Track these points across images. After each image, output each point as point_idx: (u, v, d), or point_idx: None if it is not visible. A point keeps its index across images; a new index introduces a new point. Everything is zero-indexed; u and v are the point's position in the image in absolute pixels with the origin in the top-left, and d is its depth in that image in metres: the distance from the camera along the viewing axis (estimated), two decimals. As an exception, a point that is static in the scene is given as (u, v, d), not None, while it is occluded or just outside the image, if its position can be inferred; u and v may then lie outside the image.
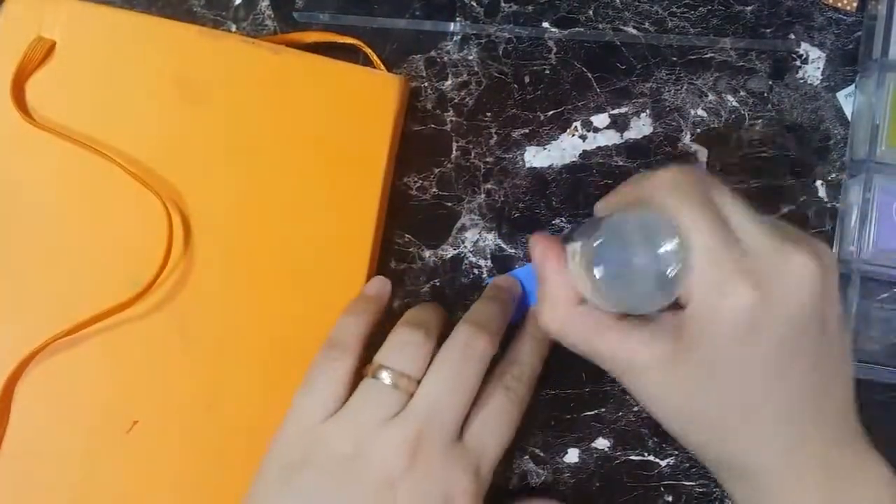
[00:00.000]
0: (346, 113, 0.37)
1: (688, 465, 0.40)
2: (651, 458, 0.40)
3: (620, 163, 0.41)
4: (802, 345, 0.27)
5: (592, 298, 0.28)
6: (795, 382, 0.27)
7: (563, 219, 0.40)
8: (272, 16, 0.40)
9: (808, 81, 0.41)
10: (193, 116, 0.37)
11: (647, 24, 0.41)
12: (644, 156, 0.41)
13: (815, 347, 0.27)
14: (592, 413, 0.40)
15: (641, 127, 0.41)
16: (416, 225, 0.40)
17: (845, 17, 0.42)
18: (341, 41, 0.39)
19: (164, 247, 0.35)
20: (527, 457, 0.39)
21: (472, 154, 0.40)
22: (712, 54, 0.41)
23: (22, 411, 0.35)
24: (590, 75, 0.41)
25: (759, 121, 0.41)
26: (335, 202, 0.37)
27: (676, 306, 0.28)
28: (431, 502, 0.29)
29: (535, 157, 0.40)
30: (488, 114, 0.40)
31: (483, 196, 0.40)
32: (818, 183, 0.41)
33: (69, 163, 0.36)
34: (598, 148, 0.41)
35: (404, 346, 0.32)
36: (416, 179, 0.40)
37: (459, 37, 0.40)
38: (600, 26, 0.41)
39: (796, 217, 0.41)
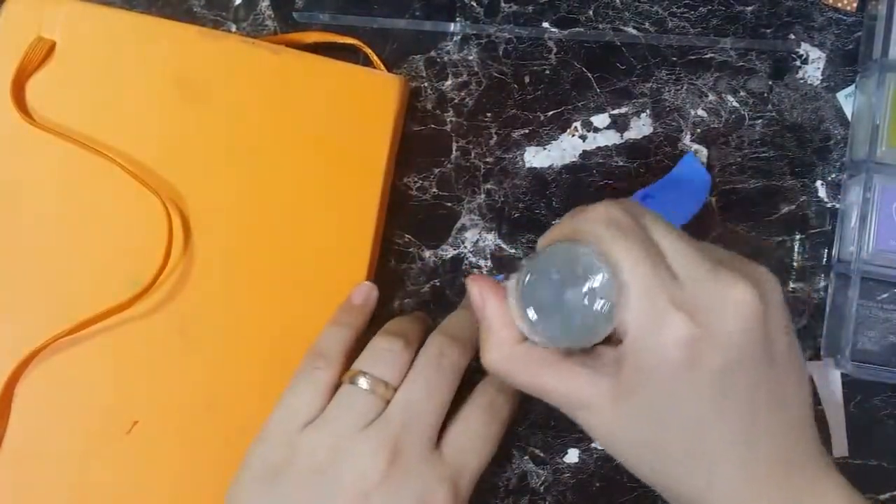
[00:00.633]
0: (346, 113, 0.37)
1: (688, 465, 0.40)
2: (651, 458, 0.40)
3: (620, 163, 0.41)
4: (746, 375, 0.26)
5: (531, 336, 0.28)
6: (745, 406, 0.27)
7: (563, 219, 0.40)
8: (272, 16, 0.40)
9: (808, 81, 0.41)
10: (193, 116, 0.37)
11: (647, 25, 0.41)
12: (644, 156, 0.41)
13: (761, 375, 0.27)
14: (592, 413, 0.40)
15: (641, 127, 0.41)
16: (416, 225, 0.40)
17: (845, 18, 0.42)
18: (341, 41, 0.39)
19: (164, 247, 0.35)
20: (527, 457, 0.39)
21: (472, 154, 0.40)
22: (712, 54, 0.41)
23: (22, 411, 0.35)
24: (590, 75, 0.41)
25: (759, 121, 0.41)
26: (335, 202, 0.37)
27: (615, 340, 0.27)
28: None
29: (535, 158, 0.40)
30: (488, 114, 0.40)
31: (483, 196, 0.40)
32: (818, 183, 0.41)
33: (69, 163, 0.36)
34: (598, 148, 0.41)
35: (382, 353, 0.32)
36: (416, 179, 0.40)
37: (459, 37, 0.40)
38: (600, 26, 0.41)
39: (796, 217, 0.41)
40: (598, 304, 0.27)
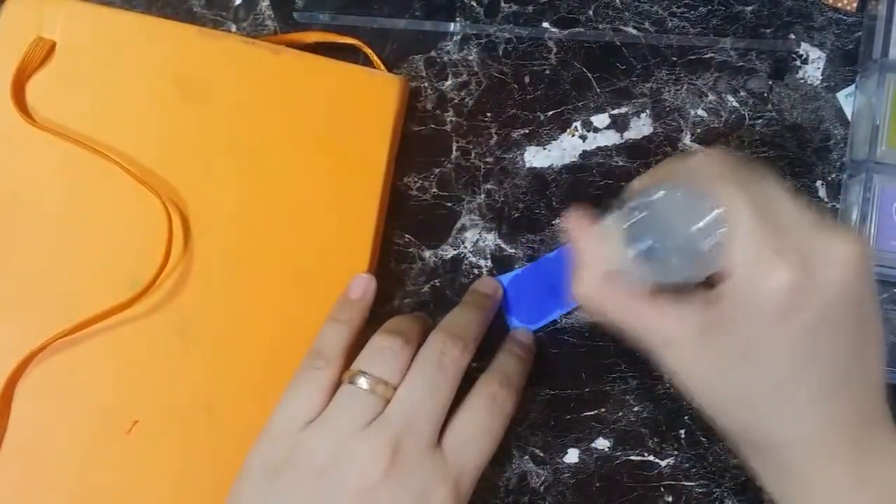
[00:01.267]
0: (346, 113, 0.37)
1: (688, 465, 0.40)
2: (651, 458, 0.40)
3: (620, 163, 0.41)
4: (839, 326, 0.27)
5: (632, 271, 0.28)
6: (829, 363, 0.27)
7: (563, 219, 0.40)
8: (272, 16, 0.40)
9: (809, 82, 0.41)
10: (193, 116, 0.37)
11: (647, 25, 0.41)
12: (644, 156, 0.41)
13: (851, 329, 0.27)
14: (592, 413, 0.40)
15: (641, 127, 0.41)
16: (416, 225, 0.40)
17: (845, 18, 0.42)
18: (341, 41, 0.39)
19: (164, 247, 0.35)
20: (527, 457, 0.39)
21: (472, 154, 0.40)
22: (712, 54, 0.41)
23: (22, 411, 0.35)
24: (590, 75, 0.41)
25: (760, 121, 0.41)
26: (335, 202, 0.37)
27: (711, 283, 0.28)
28: None
29: (535, 158, 0.40)
30: (488, 114, 0.40)
31: (483, 196, 0.40)
32: (818, 183, 0.41)
33: (69, 163, 0.36)
34: (598, 148, 0.41)
35: (382, 352, 0.32)
36: (416, 179, 0.40)
37: (459, 37, 0.40)
38: (600, 26, 0.41)
39: (796, 217, 0.41)
40: (706, 244, 0.27)
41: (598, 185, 0.40)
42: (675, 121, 0.41)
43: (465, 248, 0.40)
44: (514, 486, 0.39)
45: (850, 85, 0.41)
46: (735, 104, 0.41)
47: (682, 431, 0.40)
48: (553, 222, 0.40)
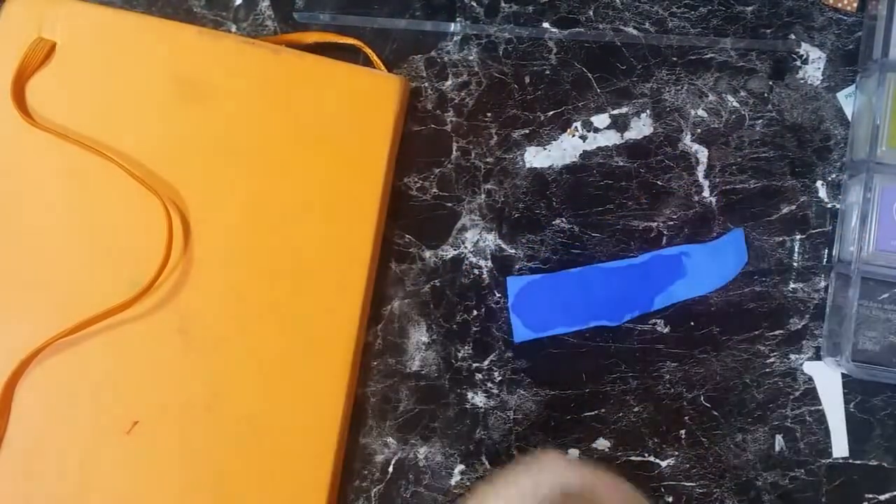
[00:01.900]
0: (346, 113, 0.37)
1: (688, 465, 0.40)
2: (651, 458, 0.40)
3: (620, 163, 0.41)
4: None
5: None
6: None
7: (563, 219, 0.40)
8: (272, 16, 0.40)
9: (809, 82, 0.41)
10: (193, 117, 0.37)
11: (647, 25, 0.41)
12: (644, 156, 0.41)
13: None
14: (592, 413, 0.40)
15: (642, 127, 0.41)
16: (416, 225, 0.40)
17: (845, 18, 0.41)
18: (341, 41, 0.39)
19: (164, 247, 0.35)
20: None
21: (472, 154, 0.40)
22: (712, 54, 0.41)
23: (22, 411, 0.35)
24: (590, 75, 0.41)
25: (760, 121, 0.41)
26: (335, 202, 0.37)
27: None
28: None
29: (536, 158, 0.40)
30: (488, 114, 0.40)
31: (483, 196, 0.40)
32: (818, 183, 0.41)
33: (69, 163, 0.36)
34: (599, 148, 0.41)
35: None
36: (416, 179, 0.40)
37: (460, 37, 0.40)
38: (600, 27, 0.41)
39: (796, 217, 0.41)
40: None
41: (598, 185, 0.40)
42: (676, 121, 0.41)
43: (466, 248, 0.40)
44: (514, 486, 0.39)
45: (850, 85, 0.41)
46: (735, 104, 0.41)
47: (683, 432, 0.40)
48: (553, 222, 0.40)
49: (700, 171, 0.41)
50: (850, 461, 0.40)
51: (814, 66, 0.41)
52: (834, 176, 0.41)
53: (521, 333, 0.39)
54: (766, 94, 0.41)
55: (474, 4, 0.41)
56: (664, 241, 0.40)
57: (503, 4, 0.41)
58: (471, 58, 0.40)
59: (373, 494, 0.38)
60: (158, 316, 0.36)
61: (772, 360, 0.40)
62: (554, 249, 0.40)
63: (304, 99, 0.37)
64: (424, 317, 0.39)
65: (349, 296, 0.37)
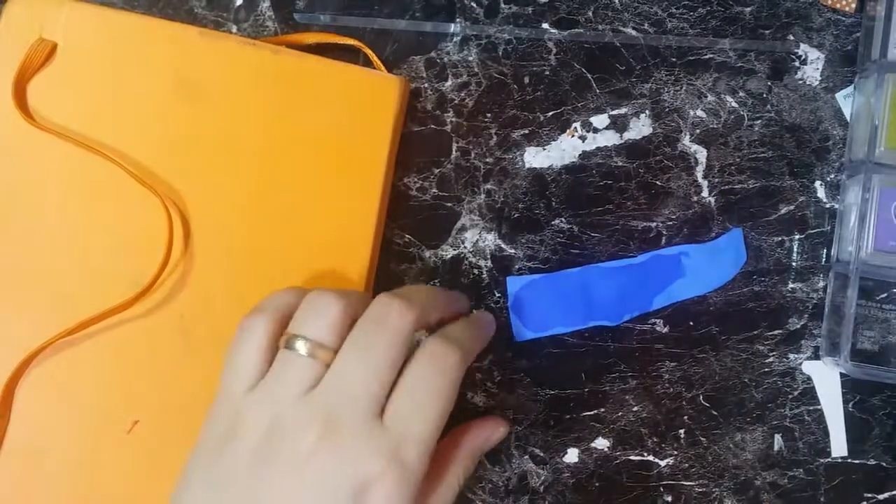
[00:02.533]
0: (346, 113, 0.37)
1: (687, 465, 0.40)
2: (650, 458, 0.40)
3: (620, 163, 0.41)
4: None
5: None
6: None
7: (562, 219, 0.40)
8: (273, 17, 0.40)
9: (807, 82, 0.41)
10: (194, 117, 0.37)
11: (646, 26, 0.41)
12: (644, 156, 0.41)
13: None
14: (592, 413, 0.40)
15: (641, 128, 0.41)
16: (416, 225, 0.40)
17: (844, 18, 0.42)
18: (341, 42, 0.39)
19: (164, 247, 0.35)
20: (527, 457, 0.40)
21: (472, 154, 0.40)
22: (711, 55, 0.41)
23: (23, 411, 0.35)
24: (589, 76, 0.41)
25: (759, 121, 0.41)
26: (335, 202, 0.37)
27: None
28: (343, 486, 0.27)
29: (535, 158, 0.41)
30: (488, 114, 0.41)
31: (483, 196, 0.40)
32: (817, 183, 0.41)
33: (70, 164, 0.36)
34: (598, 149, 0.41)
35: (315, 310, 0.30)
36: (416, 179, 0.40)
37: (459, 38, 0.41)
38: (600, 27, 0.41)
39: (795, 217, 0.41)
40: None
41: (597, 186, 0.41)
42: (675, 121, 0.41)
43: (465, 248, 0.40)
44: (514, 485, 0.39)
45: (848, 85, 0.41)
46: (734, 105, 0.41)
47: (682, 431, 0.40)
48: (553, 223, 0.40)
49: (699, 172, 0.41)
50: (849, 461, 0.40)
51: (812, 66, 0.41)
52: (832, 176, 0.41)
53: (521, 333, 0.39)
54: (764, 95, 0.41)
55: (474, 5, 0.41)
56: (663, 241, 0.40)
57: (503, 5, 0.41)
58: (471, 58, 0.41)
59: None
60: (158, 316, 0.36)
61: (770, 359, 0.40)
62: (553, 249, 0.40)
63: (304, 99, 0.37)
64: (424, 317, 0.39)
65: (349, 296, 0.37)
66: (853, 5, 0.41)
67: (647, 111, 0.41)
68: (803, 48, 0.41)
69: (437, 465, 0.34)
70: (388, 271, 0.39)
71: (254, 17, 0.40)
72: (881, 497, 0.40)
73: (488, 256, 0.40)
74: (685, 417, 0.40)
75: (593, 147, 0.41)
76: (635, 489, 0.40)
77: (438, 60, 0.40)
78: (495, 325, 0.37)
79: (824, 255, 0.41)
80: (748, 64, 0.41)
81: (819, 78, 0.41)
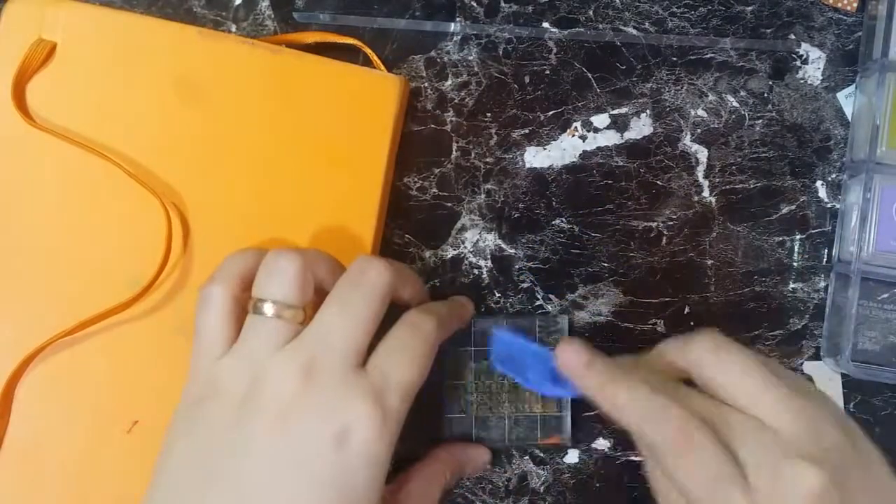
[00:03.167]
0: (346, 113, 0.37)
1: (688, 465, 0.40)
2: (651, 458, 0.40)
3: (620, 163, 0.41)
4: None
5: None
6: None
7: (563, 219, 0.40)
8: (272, 16, 0.40)
9: (809, 82, 0.41)
10: (193, 117, 0.37)
11: (647, 25, 0.41)
12: (644, 156, 0.41)
13: None
14: (592, 413, 0.40)
15: (642, 127, 0.41)
16: (416, 225, 0.40)
17: (845, 18, 0.41)
18: (341, 41, 0.39)
19: (163, 247, 0.35)
20: (527, 457, 0.39)
21: (472, 154, 0.40)
22: (712, 54, 0.41)
23: (22, 411, 0.35)
24: (590, 75, 0.41)
25: (760, 121, 0.41)
26: (335, 202, 0.37)
27: None
28: (326, 430, 0.27)
29: (535, 158, 0.40)
30: (488, 114, 0.40)
31: (483, 196, 0.40)
32: (818, 183, 0.41)
33: (70, 164, 0.36)
34: (599, 148, 0.41)
35: (275, 272, 0.30)
36: (416, 179, 0.40)
37: (459, 37, 0.40)
38: (600, 26, 0.41)
39: (796, 217, 0.41)
40: None
41: (598, 185, 0.40)
42: (676, 121, 0.41)
43: (465, 248, 0.40)
44: (514, 486, 0.39)
45: (850, 85, 0.41)
46: (735, 104, 0.41)
47: (682, 431, 0.40)
48: (553, 222, 0.40)
49: (700, 171, 0.41)
50: (850, 461, 0.40)
51: (814, 66, 0.41)
52: (834, 176, 0.41)
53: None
54: (766, 94, 0.41)
55: (474, 4, 0.41)
56: (664, 241, 0.40)
57: (503, 4, 0.41)
58: (471, 58, 0.40)
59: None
60: (158, 316, 0.36)
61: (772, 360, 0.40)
62: (554, 249, 0.40)
63: (303, 99, 0.37)
64: (424, 317, 0.39)
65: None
66: (854, 4, 0.41)
67: (647, 111, 0.41)
68: (805, 47, 0.41)
69: (419, 471, 0.35)
70: (388, 271, 0.39)
71: (253, 17, 0.40)
72: (882, 497, 0.40)
73: (488, 256, 0.40)
74: (686, 418, 0.40)
75: (594, 147, 0.41)
76: (635, 489, 0.40)
77: (438, 60, 0.40)
78: (472, 308, 0.38)
79: (825, 255, 0.41)
80: (749, 63, 0.41)
81: (820, 77, 0.41)
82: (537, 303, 0.40)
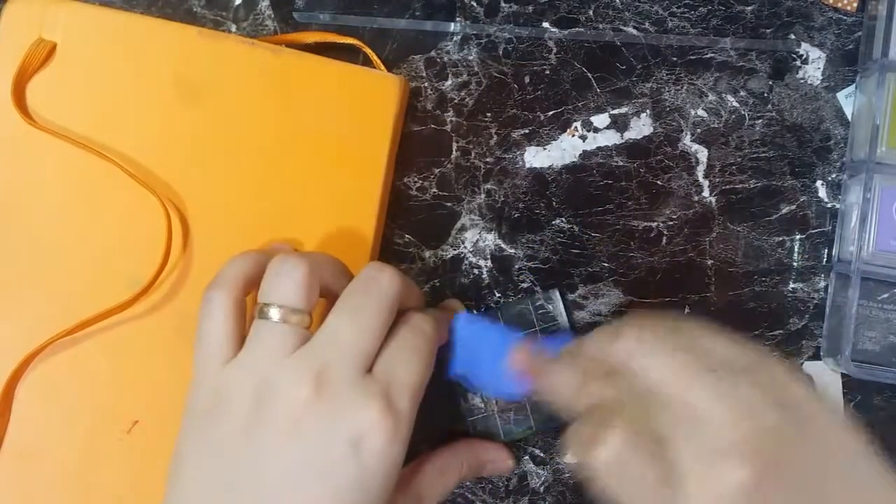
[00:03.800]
0: (346, 113, 0.37)
1: (688, 465, 0.40)
2: (651, 458, 0.40)
3: (620, 163, 0.41)
4: None
5: None
6: None
7: (563, 219, 0.40)
8: (272, 16, 0.40)
9: (809, 82, 0.41)
10: (193, 117, 0.37)
11: (647, 25, 0.41)
12: (644, 156, 0.41)
13: None
14: (592, 413, 0.40)
15: (642, 127, 0.41)
16: (416, 225, 0.40)
17: (845, 18, 0.41)
18: (341, 41, 0.39)
19: (163, 247, 0.35)
20: (527, 457, 0.39)
21: (472, 154, 0.40)
22: (712, 54, 0.41)
23: (22, 411, 0.35)
24: (590, 75, 0.41)
25: (760, 121, 0.41)
26: (335, 202, 0.37)
27: None
28: (340, 437, 0.27)
29: (535, 158, 0.40)
30: (488, 114, 0.40)
31: (483, 196, 0.40)
32: (818, 183, 0.41)
33: (69, 164, 0.36)
34: (599, 148, 0.41)
35: (279, 276, 0.30)
36: (416, 179, 0.40)
37: (459, 37, 0.40)
38: (600, 26, 0.41)
39: (796, 217, 0.41)
40: None
41: (598, 185, 0.40)
42: (676, 121, 0.41)
43: (465, 248, 0.40)
44: (514, 486, 0.39)
45: (850, 85, 0.41)
46: (735, 104, 0.41)
47: (682, 431, 0.40)
48: (553, 222, 0.40)
49: (700, 171, 0.41)
50: (850, 461, 0.40)
51: (814, 65, 0.41)
52: (834, 176, 0.41)
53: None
54: (765, 94, 0.41)
55: (474, 4, 0.41)
56: (664, 241, 0.40)
57: (503, 4, 0.41)
58: (471, 58, 0.40)
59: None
60: (158, 316, 0.36)
61: (772, 360, 0.40)
62: (554, 249, 0.40)
63: (303, 99, 0.37)
64: (424, 317, 0.39)
65: (349, 296, 0.36)
66: (854, 4, 0.41)
67: (647, 110, 0.41)
68: (805, 47, 0.41)
69: (435, 459, 0.35)
70: (388, 271, 0.39)
71: (253, 17, 0.40)
72: (882, 497, 0.40)
73: (488, 256, 0.40)
74: (686, 418, 0.40)
75: (594, 147, 0.41)
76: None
77: (438, 60, 0.40)
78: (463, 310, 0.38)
79: (825, 255, 0.41)
80: (749, 63, 0.41)
81: (820, 77, 0.41)
82: (538, 303, 0.40)
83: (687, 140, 0.41)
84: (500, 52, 0.41)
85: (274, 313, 0.29)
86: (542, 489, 0.39)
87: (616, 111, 0.41)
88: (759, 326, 0.40)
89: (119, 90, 0.37)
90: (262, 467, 0.27)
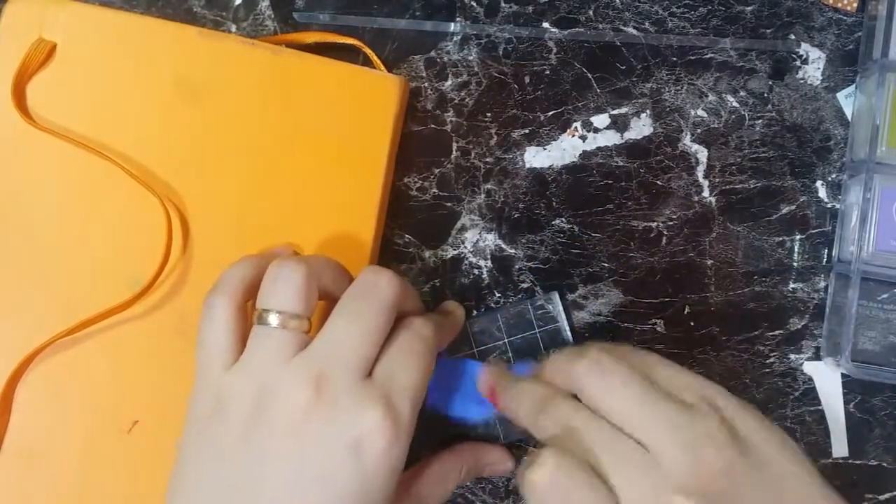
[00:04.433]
0: (346, 113, 0.37)
1: (688, 465, 0.40)
2: (651, 458, 0.40)
3: (620, 163, 0.41)
4: None
5: None
6: None
7: (563, 219, 0.40)
8: (272, 16, 0.40)
9: (809, 82, 0.41)
10: (193, 117, 0.37)
11: (647, 25, 0.41)
12: (644, 156, 0.41)
13: None
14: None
15: (641, 127, 0.41)
16: (416, 225, 0.40)
17: (845, 18, 0.41)
18: (341, 41, 0.39)
19: (163, 247, 0.35)
20: (526, 458, 0.39)
21: (472, 154, 0.40)
22: (712, 54, 0.41)
23: (22, 411, 0.35)
24: (590, 75, 0.41)
25: (760, 121, 0.41)
26: (335, 202, 0.37)
27: None
28: (341, 441, 0.27)
29: (535, 158, 0.40)
30: (488, 114, 0.40)
31: (483, 196, 0.40)
32: (818, 183, 0.41)
33: (69, 164, 0.36)
34: (599, 148, 0.41)
35: (283, 284, 0.30)
36: (416, 179, 0.40)
37: (459, 37, 0.40)
38: (600, 26, 0.41)
39: (796, 217, 0.41)
40: None
41: (598, 186, 0.40)
42: (676, 121, 0.41)
43: (465, 248, 0.40)
44: (514, 485, 0.39)
45: (850, 85, 0.41)
46: (735, 104, 0.41)
47: (682, 432, 0.40)
48: (553, 222, 0.40)
49: (700, 171, 0.41)
50: (850, 461, 0.40)
51: (814, 66, 0.41)
52: (834, 176, 0.41)
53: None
54: (765, 94, 0.41)
55: (474, 4, 0.41)
56: (664, 241, 0.40)
57: (503, 4, 0.41)
58: (471, 58, 0.40)
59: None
60: (158, 316, 0.36)
61: (771, 360, 0.40)
62: (554, 249, 0.40)
63: (303, 99, 0.37)
64: (424, 317, 0.39)
65: (349, 296, 0.36)
66: (854, 4, 0.41)
67: (647, 111, 0.41)
68: (804, 47, 0.41)
69: (435, 463, 0.36)
70: (388, 271, 0.39)
71: (253, 17, 0.40)
72: (882, 497, 0.40)
73: (488, 256, 0.40)
74: (686, 418, 0.40)
75: (594, 147, 0.41)
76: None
77: (438, 60, 0.40)
78: (463, 313, 0.38)
79: (825, 256, 0.41)
80: (749, 63, 0.41)
81: (820, 77, 0.41)
82: (538, 303, 0.40)
83: (687, 140, 0.41)
84: (500, 53, 0.41)
85: (273, 319, 0.29)
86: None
87: (616, 111, 0.41)
88: (759, 326, 0.40)
89: (119, 90, 0.37)
90: (263, 473, 0.27)
